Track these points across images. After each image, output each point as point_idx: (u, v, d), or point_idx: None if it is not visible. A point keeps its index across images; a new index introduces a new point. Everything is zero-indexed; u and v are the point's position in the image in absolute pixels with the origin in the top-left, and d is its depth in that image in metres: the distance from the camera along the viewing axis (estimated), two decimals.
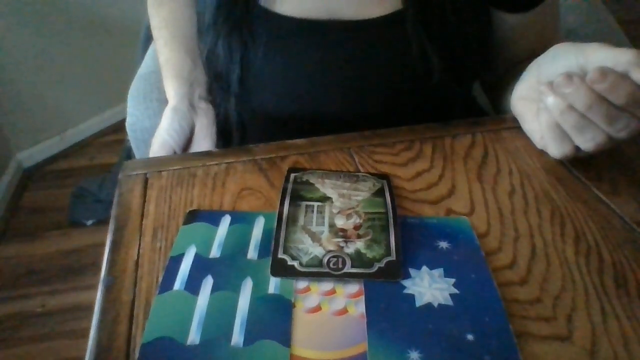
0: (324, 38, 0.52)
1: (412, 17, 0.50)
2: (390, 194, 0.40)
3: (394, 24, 0.51)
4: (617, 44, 0.38)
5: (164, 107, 0.56)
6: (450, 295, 0.32)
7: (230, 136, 0.60)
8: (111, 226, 0.40)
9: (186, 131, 0.54)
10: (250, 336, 0.30)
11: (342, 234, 0.36)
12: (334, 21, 0.52)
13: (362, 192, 0.41)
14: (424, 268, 0.34)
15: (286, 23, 0.52)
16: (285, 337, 0.30)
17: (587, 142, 0.39)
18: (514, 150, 0.47)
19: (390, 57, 0.52)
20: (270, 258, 0.34)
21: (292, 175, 0.43)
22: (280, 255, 0.34)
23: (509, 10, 0.54)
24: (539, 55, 0.46)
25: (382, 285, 0.33)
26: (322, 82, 0.53)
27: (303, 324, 0.31)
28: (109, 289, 0.34)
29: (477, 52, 0.55)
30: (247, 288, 0.33)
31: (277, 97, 0.55)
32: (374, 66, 0.52)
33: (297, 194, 0.40)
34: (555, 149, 0.43)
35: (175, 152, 0.52)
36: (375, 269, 0.33)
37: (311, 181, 0.42)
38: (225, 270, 0.34)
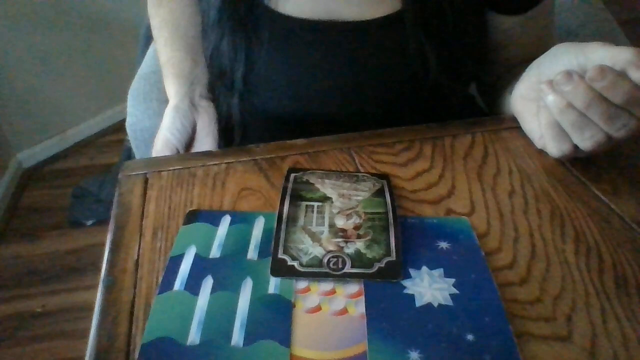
0: (324, 38, 0.52)
1: (411, 18, 0.50)
2: (390, 194, 0.40)
3: (394, 25, 0.51)
4: (617, 44, 0.38)
5: (164, 107, 0.56)
6: (450, 295, 0.32)
7: (232, 135, 0.60)
8: (111, 226, 0.40)
9: (188, 129, 0.54)
10: (250, 336, 0.30)
11: (342, 234, 0.36)
12: (335, 22, 0.52)
13: (362, 192, 0.41)
14: (424, 268, 0.34)
15: (288, 23, 0.52)
16: (285, 337, 0.30)
17: (586, 140, 0.39)
18: (514, 150, 0.47)
19: (390, 57, 0.52)
20: (270, 258, 0.34)
21: (292, 175, 0.43)
22: (280, 255, 0.34)
23: (505, 12, 0.54)
24: (533, 58, 0.46)
25: (382, 285, 0.33)
26: (323, 81, 0.54)
27: (303, 324, 0.31)
28: (109, 289, 0.34)
29: (475, 53, 0.55)
30: (247, 288, 0.33)
31: (279, 96, 0.55)
32: (374, 66, 0.52)
33: (297, 194, 0.40)
34: (554, 148, 0.43)
35: (178, 151, 0.52)
36: (375, 269, 0.33)
37: (311, 181, 0.42)
38: (225, 270, 0.34)
